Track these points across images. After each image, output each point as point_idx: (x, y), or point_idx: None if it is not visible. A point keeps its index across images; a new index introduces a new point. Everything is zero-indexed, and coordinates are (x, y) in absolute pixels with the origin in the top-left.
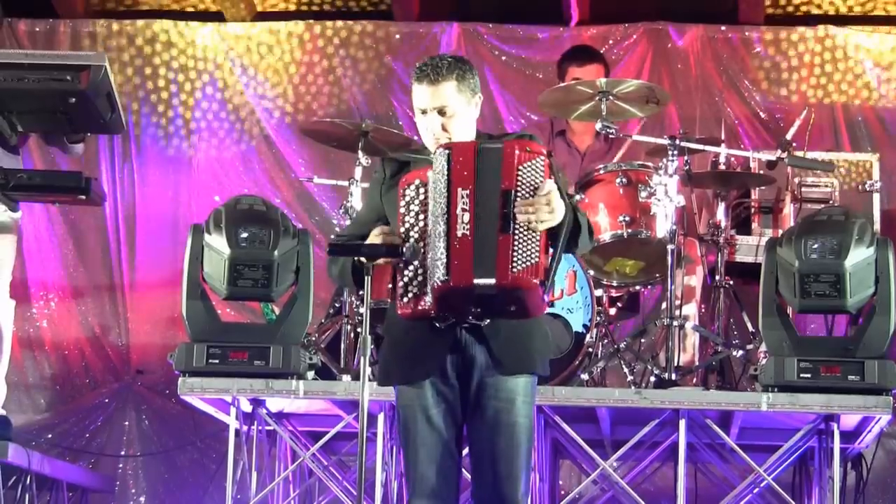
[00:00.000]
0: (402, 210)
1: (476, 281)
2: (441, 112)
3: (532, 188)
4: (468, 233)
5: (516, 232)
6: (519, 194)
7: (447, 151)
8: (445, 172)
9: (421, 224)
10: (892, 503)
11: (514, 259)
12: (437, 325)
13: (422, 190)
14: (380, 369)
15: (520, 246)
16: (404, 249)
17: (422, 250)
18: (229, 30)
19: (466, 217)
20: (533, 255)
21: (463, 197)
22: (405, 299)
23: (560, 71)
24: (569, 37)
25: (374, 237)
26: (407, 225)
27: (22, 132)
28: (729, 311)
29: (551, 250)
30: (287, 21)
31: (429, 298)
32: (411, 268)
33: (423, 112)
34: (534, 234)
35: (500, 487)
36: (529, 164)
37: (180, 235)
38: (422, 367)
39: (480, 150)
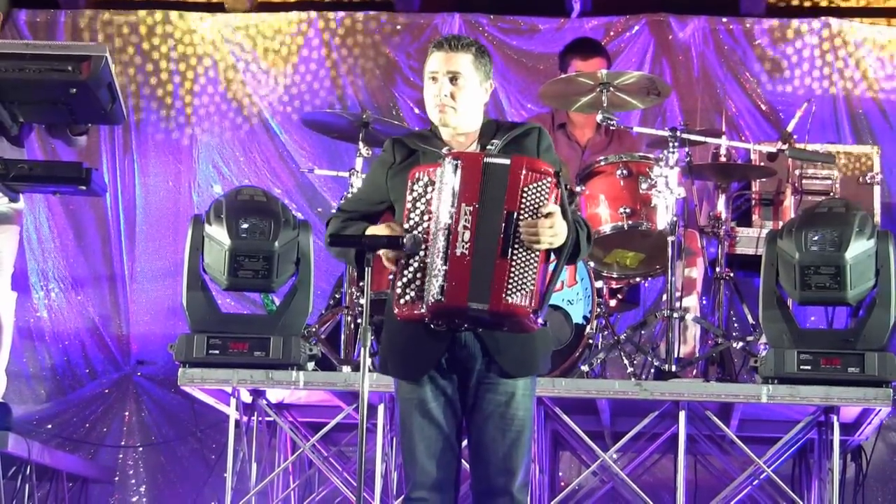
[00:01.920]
0: (409, 206)
1: (470, 304)
2: (452, 79)
3: (535, 210)
4: (467, 252)
5: (514, 257)
6: (521, 217)
7: (456, 161)
8: (452, 184)
9: (425, 224)
10: (892, 495)
11: (509, 286)
12: (433, 327)
13: (430, 188)
14: (380, 357)
15: (516, 272)
16: (405, 241)
17: (423, 243)
18: (230, 20)
19: (467, 235)
20: (528, 283)
21: (466, 213)
22: (402, 301)
23: (563, 63)
24: (570, 28)
25: (380, 230)
26: (412, 222)
27: (23, 123)
28: (729, 303)
29: (550, 271)
30: (287, 11)
31: (424, 307)
32: (410, 269)
33: (434, 79)
34: (532, 260)
35: (499, 480)
36: (535, 185)
37: (181, 226)
38: (418, 364)
39: (487, 166)
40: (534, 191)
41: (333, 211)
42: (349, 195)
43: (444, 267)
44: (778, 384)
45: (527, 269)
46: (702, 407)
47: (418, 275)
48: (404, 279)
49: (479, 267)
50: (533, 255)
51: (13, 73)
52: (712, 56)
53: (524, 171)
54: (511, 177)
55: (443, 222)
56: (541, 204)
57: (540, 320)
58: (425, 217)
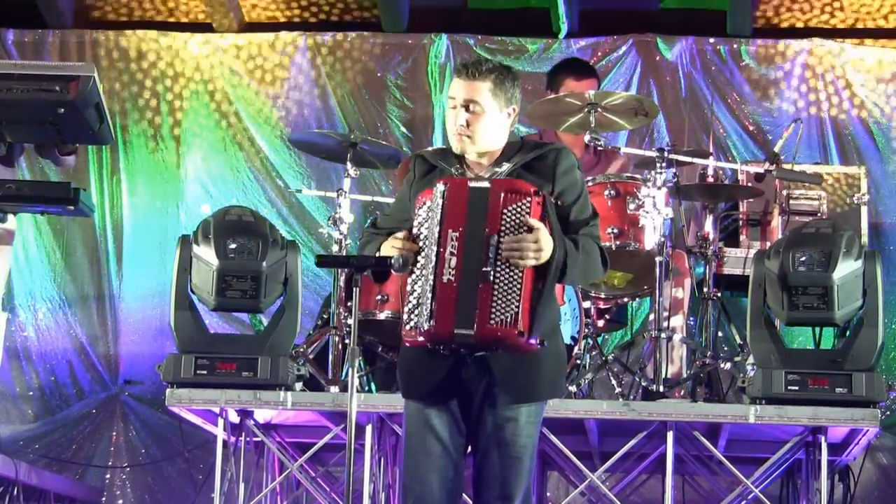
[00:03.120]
0: (416, 229)
1: (456, 331)
2: (469, 108)
3: (517, 230)
4: (453, 279)
5: (497, 281)
6: (502, 239)
7: (444, 187)
8: (440, 211)
9: (406, 258)
10: None
11: (493, 311)
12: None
13: (431, 213)
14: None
15: (499, 295)
16: (393, 261)
17: (411, 262)
18: (218, 40)
19: (454, 262)
20: (512, 306)
21: (452, 239)
22: (407, 327)
23: (553, 81)
24: (558, 49)
25: (389, 245)
26: (419, 245)
27: (11, 143)
28: (717, 324)
29: (538, 290)
30: (276, 32)
31: (420, 333)
32: (414, 295)
33: (454, 106)
34: (515, 282)
35: None
36: (514, 206)
37: (168, 246)
38: (422, 384)
39: (472, 191)
40: (514, 212)
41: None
42: (336, 215)
43: (433, 294)
44: (766, 404)
45: (510, 291)
46: (689, 427)
47: (420, 300)
48: (409, 305)
49: (465, 293)
50: (516, 276)
51: (1, 93)
52: (699, 77)
53: (503, 193)
54: (491, 200)
55: (432, 248)
56: (522, 223)
57: (533, 341)
58: (427, 241)
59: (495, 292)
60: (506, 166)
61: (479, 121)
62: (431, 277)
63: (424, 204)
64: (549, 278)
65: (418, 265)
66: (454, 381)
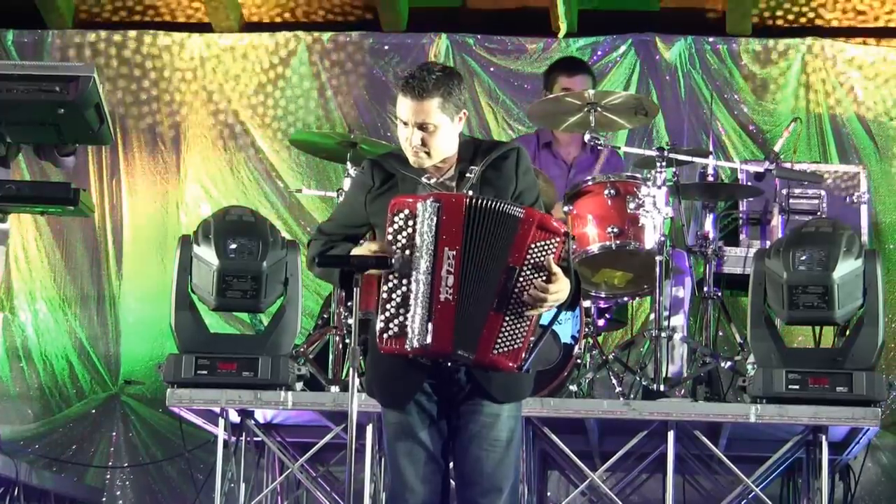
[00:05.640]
0: (390, 238)
1: (455, 350)
2: (422, 127)
3: (538, 268)
4: (451, 297)
5: (509, 313)
6: (523, 274)
7: (437, 204)
8: (433, 228)
9: (406, 259)
10: None
11: (499, 341)
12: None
13: (410, 222)
14: (366, 380)
15: (508, 328)
16: (393, 261)
17: (410, 263)
18: (218, 40)
19: (451, 280)
20: (517, 340)
21: (449, 258)
22: (385, 336)
23: (547, 81)
24: (557, 48)
25: (364, 250)
26: (400, 254)
27: (10, 143)
28: (717, 323)
29: (541, 328)
30: (275, 31)
31: (407, 345)
32: (393, 303)
33: (405, 123)
34: (526, 319)
35: (483, 500)
36: (543, 243)
37: (168, 246)
38: (402, 392)
39: (474, 208)
40: (540, 249)
41: (312, 233)
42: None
43: (427, 311)
44: (766, 404)
45: (519, 326)
46: (690, 426)
47: (401, 310)
48: (387, 313)
49: (467, 314)
50: (528, 315)
51: (1, 93)
52: (699, 76)
53: (534, 230)
54: (520, 232)
55: (425, 265)
56: (545, 262)
57: (524, 369)
58: (407, 251)
59: (504, 325)
60: (475, 169)
61: (433, 138)
62: (425, 294)
63: (401, 212)
64: (554, 317)
65: (396, 275)
66: (434, 387)
